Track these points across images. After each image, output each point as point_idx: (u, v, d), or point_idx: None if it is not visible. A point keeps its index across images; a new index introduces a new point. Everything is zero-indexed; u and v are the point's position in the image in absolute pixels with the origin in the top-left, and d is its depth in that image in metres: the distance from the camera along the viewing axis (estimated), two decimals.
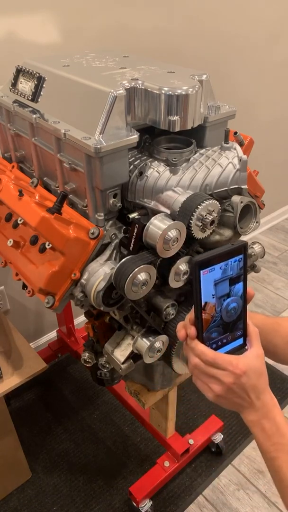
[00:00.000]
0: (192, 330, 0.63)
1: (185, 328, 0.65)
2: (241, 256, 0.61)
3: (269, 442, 0.62)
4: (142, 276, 0.80)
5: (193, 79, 0.91)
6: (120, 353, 0.98)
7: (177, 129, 0.88)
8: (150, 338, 0.92)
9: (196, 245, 0.90)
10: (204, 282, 0.59)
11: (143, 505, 1.39)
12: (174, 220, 0.81)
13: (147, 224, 0.81)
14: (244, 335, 0.66)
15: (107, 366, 1.05)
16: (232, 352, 0.65)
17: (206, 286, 0.59)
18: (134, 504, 1.39)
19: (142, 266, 0.79)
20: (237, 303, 0.63)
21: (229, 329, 0.64)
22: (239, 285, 0.63)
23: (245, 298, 0.64)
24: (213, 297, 0.61)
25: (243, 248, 0.60)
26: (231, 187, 0.87)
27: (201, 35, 1.81)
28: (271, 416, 0.62)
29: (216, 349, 0.64)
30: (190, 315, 0.64)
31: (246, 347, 0.66)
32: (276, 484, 0.63)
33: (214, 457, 1.57)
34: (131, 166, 0.92)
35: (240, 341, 0.66)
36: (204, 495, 1.47)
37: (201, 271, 0.58)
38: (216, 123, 0.96)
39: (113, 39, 1.55)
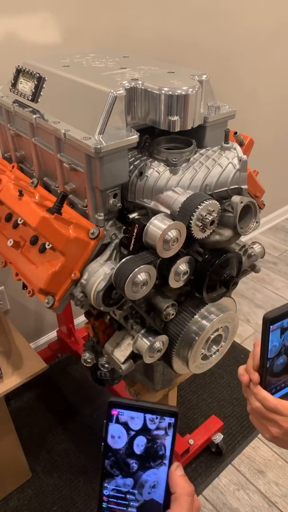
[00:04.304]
0: (256, 377, 0.68)
1: (247, 373, 0.70)
2: None
3: None
4: (142, 276, 0.80)
5: (193, 79, 0.91)
6: (120, 353, 0.98)
7: (177, 129, 0.88)
8: (150, 338, 0.91)
9: (196, 245, 0.90)
10: (271, 335, 0.66)
11: None
12: (174, 220, 0.81)
13: (147, 224, 0.81)
14: None
15: (107, 366, 1.05)
16: None
17: (273, 337, 0.66)
18: None
19: (142, 266, 0.79)
20: None
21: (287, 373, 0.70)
22: None
23: None
24: (277, 347, 0.67)
25: None
26: (231, 187, 0.87)
27: (201, 35, 1.81)
28: None
29: (274, 392, 0.69)
30: (253, 361, 0.69)
31: None
32: None
33: (214, 457, 1.57)
34: (131, 166, 0.92)
35: None
36: (204, 495, 1.47)
37: (271, 326, 0.65)
38: (216, 123, 0.96)
39: (113, 39, 1.55)
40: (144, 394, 1.15)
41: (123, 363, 0.97)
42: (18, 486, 1.49)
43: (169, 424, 0.53)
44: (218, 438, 1.55)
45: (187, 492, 0.53)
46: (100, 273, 0.87)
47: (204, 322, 0.95)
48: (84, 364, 1.10)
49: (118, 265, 0.81)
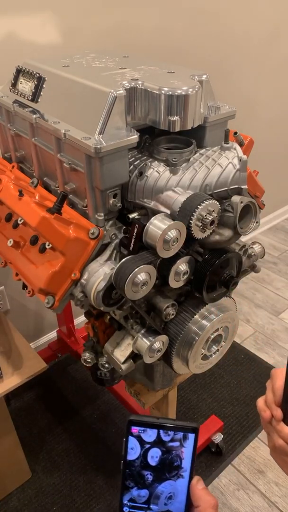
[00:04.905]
0: (279, 413, 0.64)
1: (269, 408, 0.66)
2: None
3: None
4: (142, 276, 0.80)
5: (193, 79, 0.91)
6: (120, 353, 0.98)
7: (177, 129, 0.88)
8: (150, 338, 0.91)
9: (196, 245, 0.90)
10: None
11: None
12: (174, 220, 0.81)
13: (147, 224, 0.81)
14: None
15: (107, 366, 1.05)
16: None
17: None
18: None
19: (142, 266, 0.79)
20: None
21: None
22: None
23: None
24: None
25: None
26: (231, 187, 0.87)
27: (201, 35, 1.81)
28: None
29: None
30: (274, 396, 0.66)
31: None
32: None
33: (214, 457, 1.57)
34: (131, 166, 0.91)
35: None
36: None
37: None
38: (216, 123, 0.96)
39: (113, 39, 1.55)
40: (144, 394, 1.15)
41: (123, 363, 0.97)
42: (18, 486, 1.49)
43: (184, 435, 0.52)
44: (218, 438, 1.55)
45: (211, 505, 0.53)
46: (100, 273, 0.87)
47: (204, 322, 0.95)
48: (84, 364, 1.10)
49: (118, 265, 0.81)
